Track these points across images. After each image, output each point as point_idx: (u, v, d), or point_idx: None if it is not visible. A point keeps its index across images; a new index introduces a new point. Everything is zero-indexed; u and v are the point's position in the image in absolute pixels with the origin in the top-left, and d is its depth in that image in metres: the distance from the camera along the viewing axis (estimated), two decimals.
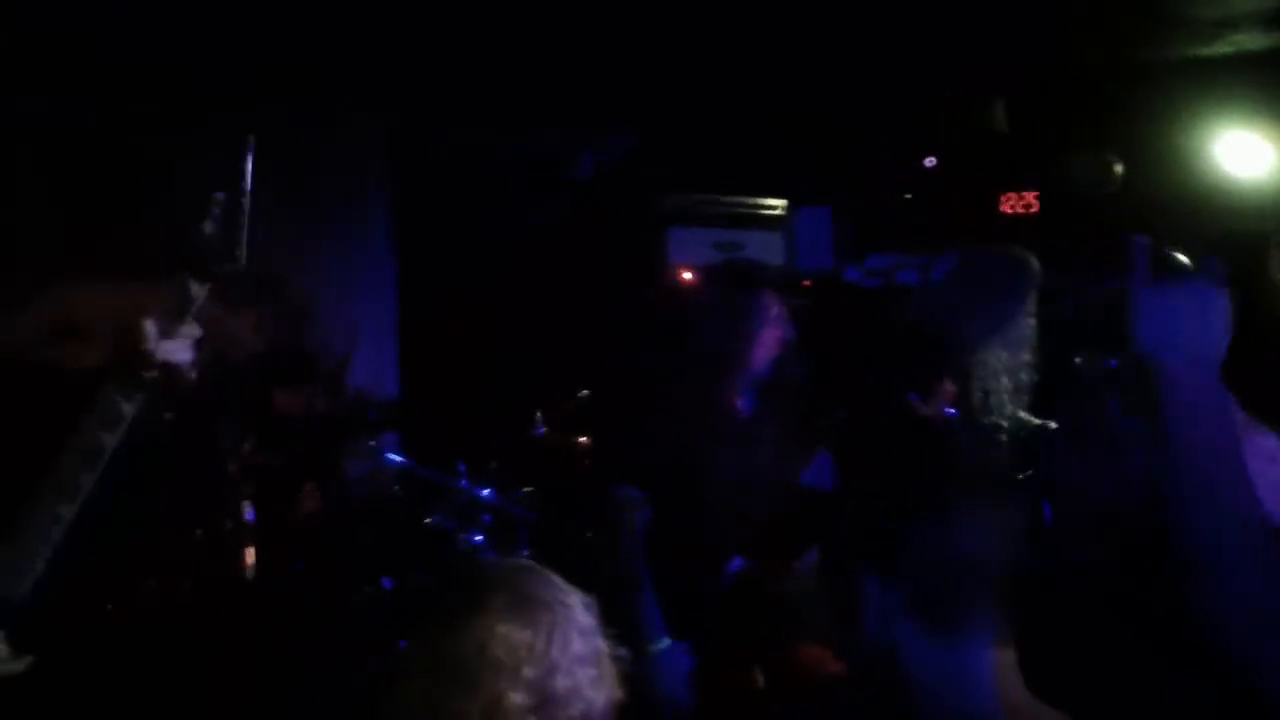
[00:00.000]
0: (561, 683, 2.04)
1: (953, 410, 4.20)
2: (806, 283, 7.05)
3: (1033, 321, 4.63)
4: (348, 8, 5.55)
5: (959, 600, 2.19)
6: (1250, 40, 5.84)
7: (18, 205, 5.38)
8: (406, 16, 5.63)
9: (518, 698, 2.00)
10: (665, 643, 4.11)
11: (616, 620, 2.39)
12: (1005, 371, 4.56)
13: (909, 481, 2.25)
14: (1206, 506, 2.13)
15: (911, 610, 2.19)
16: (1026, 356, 4.60)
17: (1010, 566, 2.23)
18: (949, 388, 4.22)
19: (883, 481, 2.29)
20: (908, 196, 7.79)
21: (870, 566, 2.25)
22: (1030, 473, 4.31)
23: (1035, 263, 4.71)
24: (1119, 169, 6.65)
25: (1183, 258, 5.81)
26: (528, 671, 2.02)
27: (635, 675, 2.26)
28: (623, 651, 2.15)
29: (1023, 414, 4.59)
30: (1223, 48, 5.89)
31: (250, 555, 4.28)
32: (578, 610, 2.09)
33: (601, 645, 2.11)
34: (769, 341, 4.22)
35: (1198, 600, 2.16)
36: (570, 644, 2.05)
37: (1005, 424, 4.55)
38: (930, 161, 7.57)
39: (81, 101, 5.70)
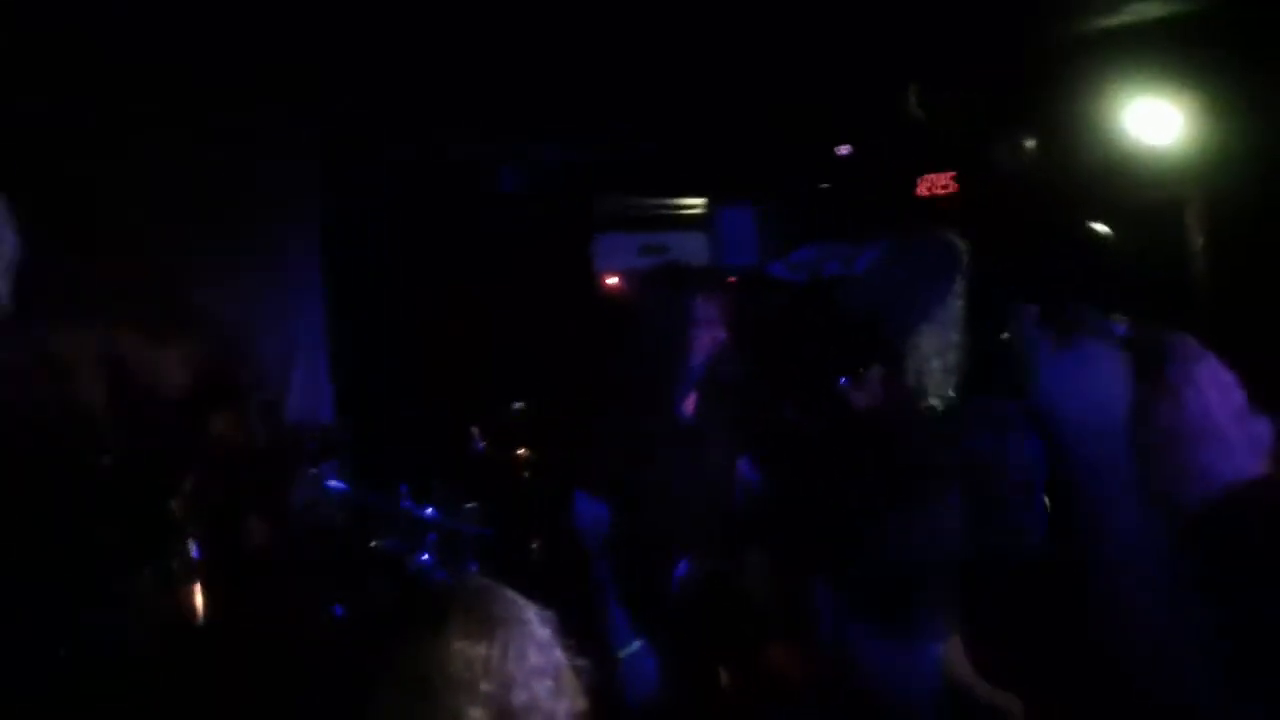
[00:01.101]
0: (519, 696, 2.07)
1: (883, 393, 4.26)
2: (731, 279, 7.10)
3: (960, 302, 4.70)
4: (278, 16, 5.51)
5: (909, 600, 2.22)
6: (1151, 9, 5.93)
7: None
8: (337, 27, 5.61)
9: (476, 713, 2.03)
10: (634, 646, 4.13)
11: (584, 628, 2.40)
12: (935, 353, 4.62)
13: (849, 483, 2.29)
14: (1098, 542, 2.20)
15: (861, 611, 2.22)
16: (956, 337, 4.67)
17: (953, 560, 2.26)
18: (879, 372, 4.27)
19: (824, 484, 2.32)
20: (824, 186, 7.85)
21: (818, 569, 2.28)
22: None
23: (960, 243, 4.78)
24: (1032, 145, 6.75)
25: (1102, 228, 5.92)
26: (485, 686, 2.05)
27: (605, 681, 2.28)
28: (583, 661, 2.18)
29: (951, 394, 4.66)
30: (1125, 18, 5.97)
31: (198, 592, 4.26)
32: (534, 624, 2.12)
33: (560, 657, 2.14)
34: (703, 342, 4.26)
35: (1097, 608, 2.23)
36: (526, 657, 2.07)
37: (938, 406, 4.62)
38: (845, 149, 7.63)
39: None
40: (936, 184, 7.34)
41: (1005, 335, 6.33)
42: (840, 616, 2.28)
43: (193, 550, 4.27)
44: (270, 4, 5.26)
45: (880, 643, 2.25)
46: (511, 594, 2.13)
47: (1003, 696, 2.58)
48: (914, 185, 7.41)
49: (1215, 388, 1.97)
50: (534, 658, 2.07)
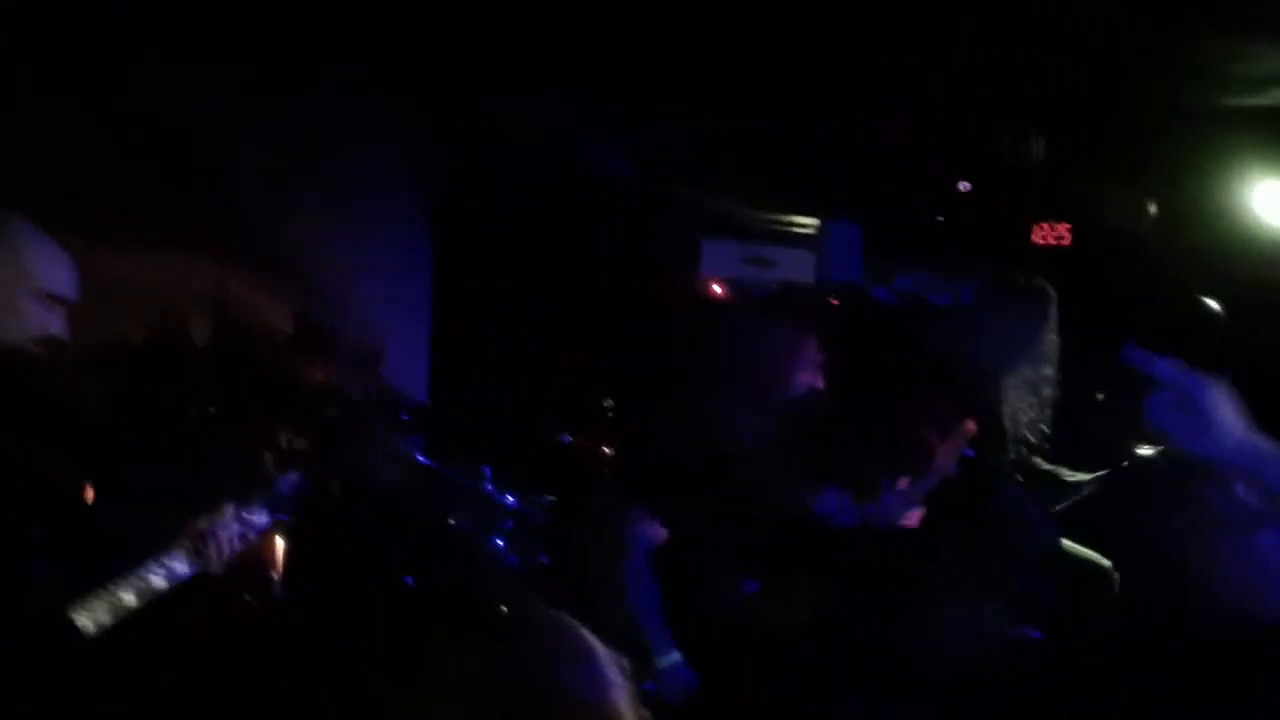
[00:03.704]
0: None
1: (971, 451, 4.28)
2: (834, 301, 7.11)
3: (1055, 339, 4.71)
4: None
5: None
6: None
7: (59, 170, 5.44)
8: (453, 5, 5.69)
9: None
10: (673, 657, 4.19)
11: (626, 633, 2.44)
12: (1025, 398, 4.63)
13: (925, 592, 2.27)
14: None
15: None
16: (1048, 371, 4.69)
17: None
18: (969, 427, 4.28)
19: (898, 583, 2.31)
20: (940, 218, 7.83)
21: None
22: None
23: (1052, 291, 4.79)
24: (1153, 208, 6.69)
25: (1213, 304, 5.87)
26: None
27: (642, 691, 2.32)
28: (648, 715, 2.19)
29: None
30: (1265, 100, 5.91)
31: (279, 544, 4.36)
32: (604, 667, 2.14)
33: (626, 698, 2.15)
34: (801, 377, 4.30)
35: None
36: (589, 695, 2.09)
37: (1026, 453, 4.63)
38: (965, 185, 7.61)
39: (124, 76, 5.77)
40: (1051, 233, 7.30)
41: (1101, 395, 6.33)
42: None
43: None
44: None
45: None
46: (583, 630, 2.16)
47: None
48: (1028, 230, 7.38)
49: None
50: (598, 696, 2.09)
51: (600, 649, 2.13)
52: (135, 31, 5.57)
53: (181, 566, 3.01)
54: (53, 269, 3.02)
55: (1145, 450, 4.74)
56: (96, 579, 2.89)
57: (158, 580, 2.96)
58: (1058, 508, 4.59)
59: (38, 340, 2.96)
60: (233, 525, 3.12)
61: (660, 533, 4.23)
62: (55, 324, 2.99)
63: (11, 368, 2.93)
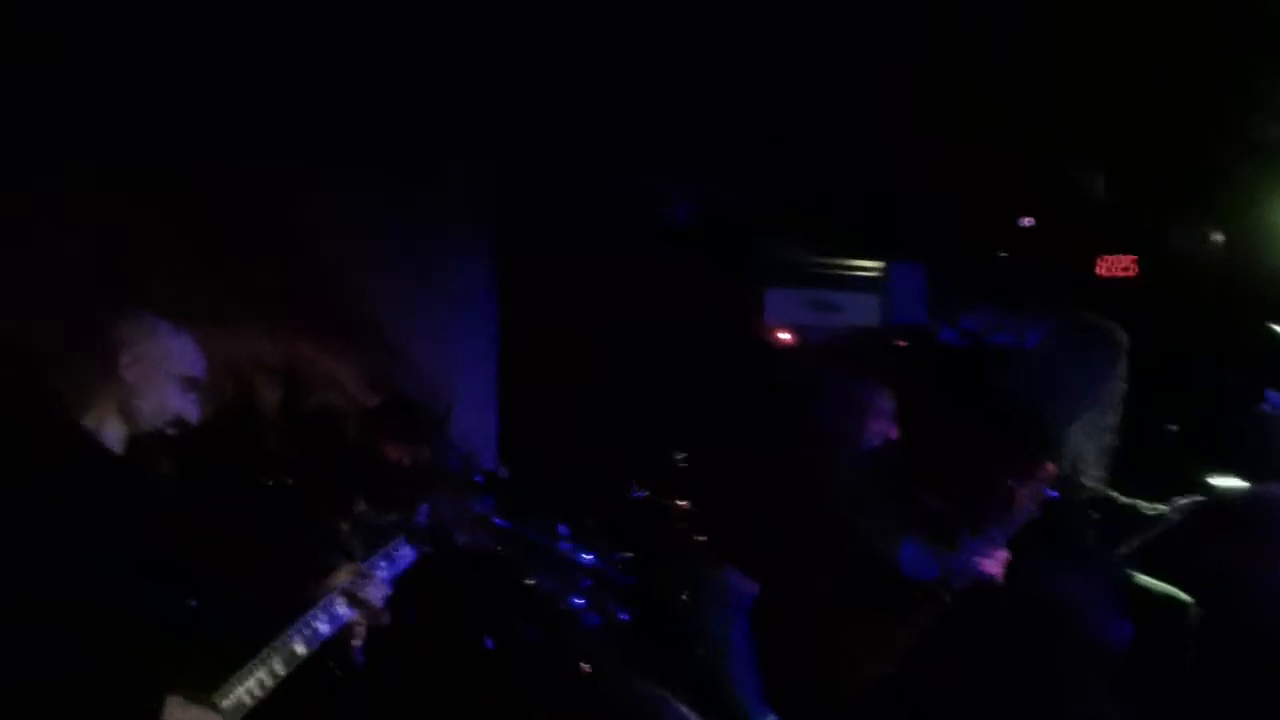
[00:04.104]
0: None
1: (1054, 492, 4.26)
2: (900, 342, 7.09)
3: (1122, 385, 4.69)
4: (452, 52, 5.70)
5: None
6: None
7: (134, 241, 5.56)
8: (511, 61, 5.76)
9: None
10: (768, 718, 4.17)
11: (720, 695, 2.44)
12: (1091, 438, 4.61)
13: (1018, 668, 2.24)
14: None
15: None
16: (1112, 418, 4.66)
17: None
18: (1050, 469, 4.27)
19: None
20: (1003, 255, 7.80)
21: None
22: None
23: (1123, 334, 4.77)
24: (1219, 239, 6.64)
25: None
26: None
27: None
28: None
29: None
30: None
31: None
32: None
33: None
34: (877, 431, 4.30)
35: None
36: None
37: (1090, 487, 4.61)
38: (1027, 221, 7.58)
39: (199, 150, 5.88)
40: (1116, 265, 7.26)
41: (1173, 427, 6.27)
42: None
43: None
44: (448, 48, 5.48)
45: None
46: (671, 699, 2.17)
47: None
48: (1093, 264, 7.34)
49: None
50: None
51: (688, 716, 2.15)
52: (210, 104, 5.70)
53: (345, 612, 3.25)
54: (190, 355, 3.28)
55: (1221, 483, 4.72)
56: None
57: (325, 627, 3.20)
58: (1136, 542, 4.56)
59: (174, 420, 3.21)
60: (381, 565, 3.34)
61: (751, 588, 4.23)
62: (189, 405, 3.23)
63: (155, 444, 3.18)
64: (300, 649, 3.14)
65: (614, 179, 7.23)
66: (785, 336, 6.86)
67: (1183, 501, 4.57)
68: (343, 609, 3.25)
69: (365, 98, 6.07)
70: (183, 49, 5.45)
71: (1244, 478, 4.55)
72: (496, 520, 5.33)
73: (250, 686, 3.05)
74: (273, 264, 6.11)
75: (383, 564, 3.31)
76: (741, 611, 4.15)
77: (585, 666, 4.88)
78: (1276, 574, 3.99)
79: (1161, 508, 4.64)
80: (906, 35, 5.54)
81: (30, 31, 5.13)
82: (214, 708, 2.97)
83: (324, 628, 3.20)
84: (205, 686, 3.00)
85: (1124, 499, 4.72)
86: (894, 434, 4.36)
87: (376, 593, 3.28)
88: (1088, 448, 4.64)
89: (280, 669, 3.11)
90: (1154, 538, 4.52)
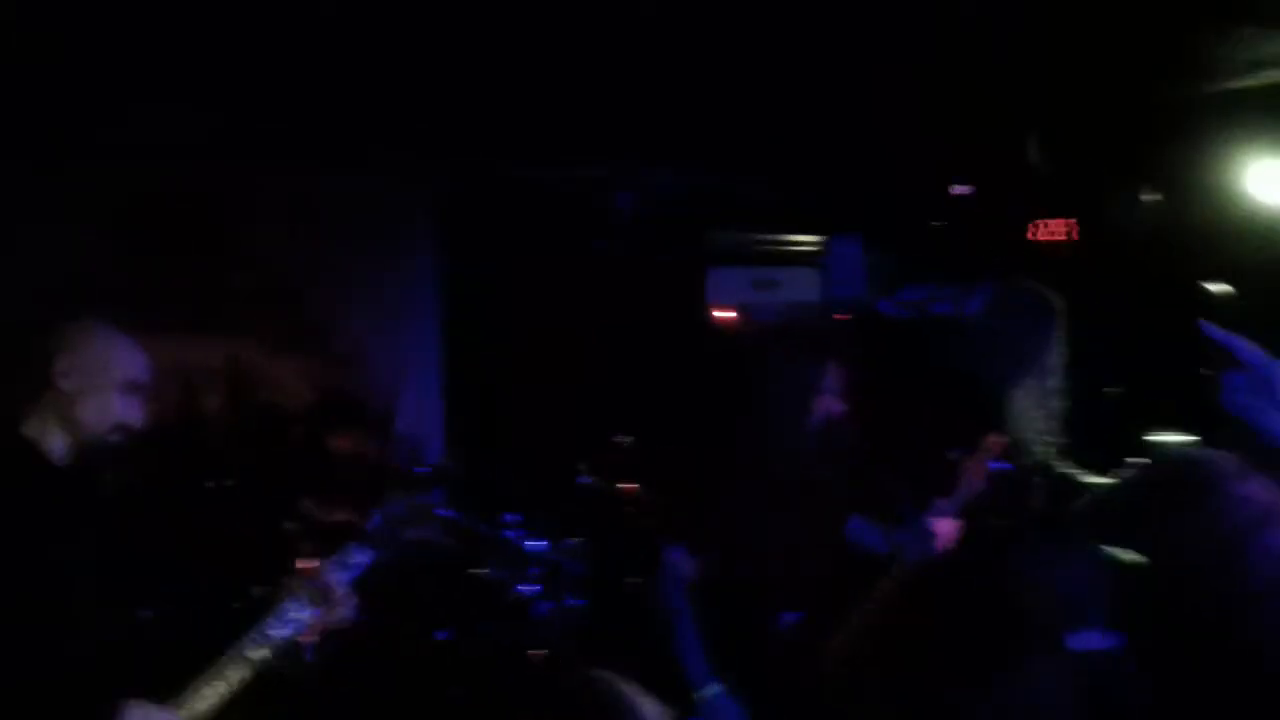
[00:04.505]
0: None
1: (1003, 464, 4.27)
2: (841, 316, 7.10)
3: (1062, 350, 4.71)
4: (392, 47, 5.66)
5: None
6: None
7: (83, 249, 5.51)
8: (453, 54, 5.73)
9: None
10: (714, 690, 4.18)
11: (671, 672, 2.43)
12: (1035, 404, 4.63)
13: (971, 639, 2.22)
14: None
15: None
16: (1054, 383, 4.68)
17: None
18: (996, 442, 4.28)
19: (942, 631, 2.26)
20: (938, 224, 7.83)
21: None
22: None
23: (1056, 296, 4.79)
24: (1154, 198, 6.68)
25: (1221, 287, 5.85)
26: None
27: None
28: None
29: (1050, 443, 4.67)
30: (1254, 82, 5.91)
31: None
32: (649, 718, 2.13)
33: None
34: (821, 407, 4.29)
35: None
36: None
37: (1038, 455, 4.63)
38: (961, 189, 7.60)
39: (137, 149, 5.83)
40: (1053, 230, 7.28)
41: (1109, 390, 6.31)
42: None
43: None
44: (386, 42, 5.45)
45: None
46: (629, 688, 2.16)
47: None
48: (1029, 229, 7.36)
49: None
50: None
51: (644, 703, 2.13)
52: (149, 102, 5.63)
53: (304, 614, 3.18)
54: (131, 359, 3.22)
55: (1163, 444, 4.76)
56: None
57: (284, 631, 3.14)
58: (1076, 511, 4.58)
59: (116, 427, 3.14)
60: (336, 571, 3.26)
61: (693, 567, 4.22)
62: (132, 411, 3.16)
63: (97, 451, 3.12)
64: (258, 654, 3.11)
65: (554, 169, 7.21)
66: (727, 315, 6.86)
67: (1126, 470, 4.58)
68: (299, 613, 3.22)
69: (306, 96, 6.02)
70: (122, 64, 5.38)
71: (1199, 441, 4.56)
72: (444, 512, 5.32)
73: (207, 693, 3.03)
74: (214, 265, 6.07)
75: (336, 569, 3.28)
76: (683, 588, 4.14)
77: (538, 653, 4.90)
78: (1206, 539, 3.99)
79: (1099, 478, 4.65)
80: (831, 3, 5.53)
81: None
82: (173, 713, 2.95)
83: (281, 632, 3.17)
84: (160, 694, 2.97)
85: (1061, 468, 4.75)
86: (839, 409, 4.35)
87: (332, 596, 3.25)
88: (1033, 415, 4.66)
89: (239, 675, 3.08)
90: (1100, 504, 4.54)
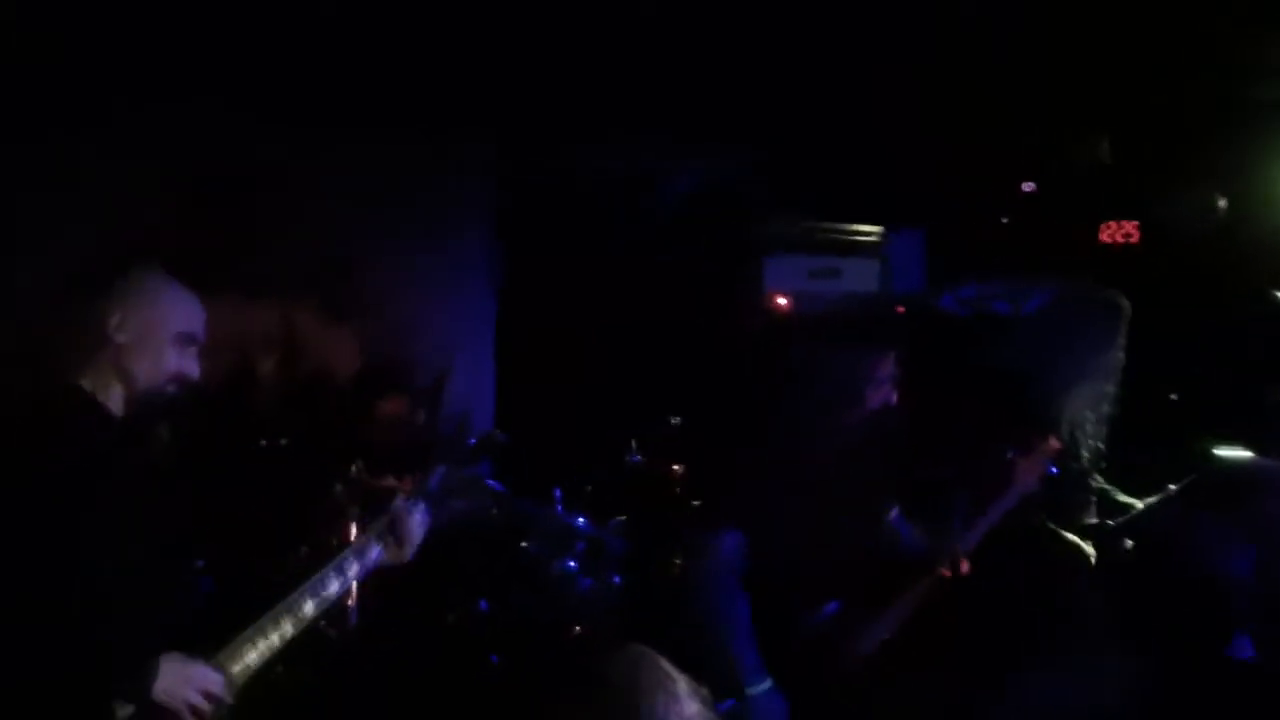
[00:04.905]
0: None
1: (1055, 469, 4.22)
2: (900, 309, 7.05)
3: (1121, 355, 4.66)
4: (454, 28, 5.68)
5: None
6: None
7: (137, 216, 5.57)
8: (509, 38, 5.75)
9: None
10: (765, 685, 4.14)
11: (715, 662, 2.41)
12: (1090, 407, 4.59)
13: (1022, 625, 2.20)
14: None
15: None
16: (1110, 388, 4.64)
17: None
18: (1053, 444, 4.23)
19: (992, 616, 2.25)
20: (1005, 221, 7.76)
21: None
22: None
23: (1125, 302, 4.74)
24: (1222, 204, 6.61)
25: None
26: None
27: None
28: None
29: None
30: None
31: None
32: (684, 699, 2.13)
33: None
34: (876, 398, 4.27)
35: None
36: None
37: (1088, 458, 4.59)
38: (1029, 186, 7.53)
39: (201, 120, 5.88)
40: (1119, 231, 7.21)
41: (1174, 396, 6.24)
42: None
43: (352, 534, 4.40)
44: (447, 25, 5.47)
45: None
46: (665, 663, 2.16)
47: None
48: (1095, 230, 7.29)
49: None
50: None
51: (680, 680, 2.13)
52: (200, 72, 5.68)
53: (353, 572, 3.25)
54: (186, 312, 3.23)
55: (1224, 453, 4.68)
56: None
57: (333, 589, 3.19)
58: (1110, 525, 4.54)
59: (172, 379, 3.15)
60: (410, 507, 3.38)
61: (743, 554, 4.21)
62: (188, 363, 3.18)
63: (153, 404, 3.14)
64: (310, 610, 3.12)
65: (611, 150, 7.21)
66: (784, 303, 6.83)
67: (1173, 488, 4.51)
68: (353, 568, 3.24)
69: (367, 75, 6.06)
70: (183, 34, 5.44)
71: (1256, 451, 4.48)
72: (492, 484, 5.34)
73: (260, 648, 3.03)
74: (273, 235, 6.11)
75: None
76: (735, 576, 4.12)
77: (577, 629, 4.91)
78: (1259, 548, 3.95)
79: (1134, 501, 4.60)
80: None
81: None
82: (219, 668, 2.96)
83: (335, 587, 3.18)
84: (205, 648, 2.98)
85: (1100, 483, 4.70)
86: (894, 401, 4.32)
87: (402, 529, 3.27)
88: (1086, 417, 4.62)
89: (290, 630, 3.09)
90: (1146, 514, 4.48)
